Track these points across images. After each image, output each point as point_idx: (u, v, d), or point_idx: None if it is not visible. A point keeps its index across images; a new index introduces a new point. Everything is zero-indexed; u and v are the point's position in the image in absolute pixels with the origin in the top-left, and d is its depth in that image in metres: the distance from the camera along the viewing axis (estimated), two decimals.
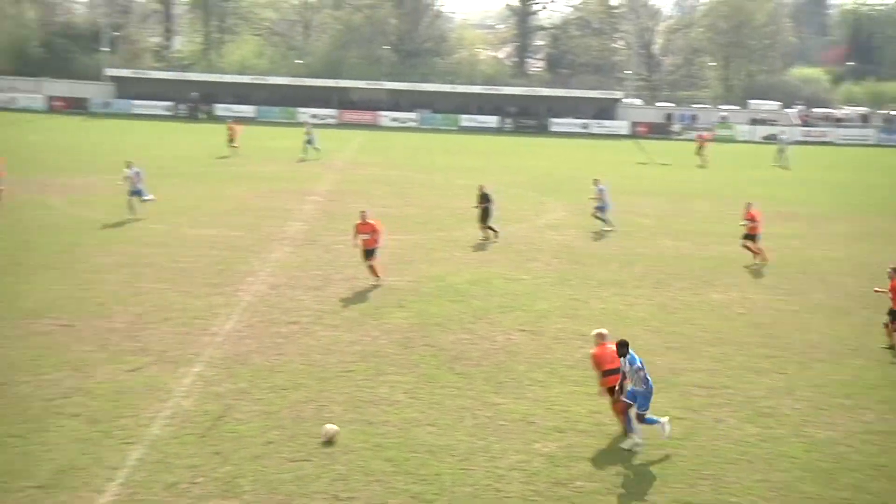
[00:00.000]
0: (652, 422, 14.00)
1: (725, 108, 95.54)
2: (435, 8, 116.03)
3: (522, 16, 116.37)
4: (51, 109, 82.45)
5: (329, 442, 13.61)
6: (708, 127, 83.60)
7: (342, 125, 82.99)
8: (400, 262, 25.87)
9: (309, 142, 52.50)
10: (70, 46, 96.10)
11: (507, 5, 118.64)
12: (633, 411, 13.87)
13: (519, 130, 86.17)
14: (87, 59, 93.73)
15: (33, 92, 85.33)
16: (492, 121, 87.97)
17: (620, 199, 40.28)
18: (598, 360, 14.45)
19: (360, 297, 22.08)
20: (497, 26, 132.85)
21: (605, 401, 14.51)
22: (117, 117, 79.72)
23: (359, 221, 23.35)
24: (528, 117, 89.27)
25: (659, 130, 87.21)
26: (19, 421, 13.95)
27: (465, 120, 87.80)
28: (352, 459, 13.18)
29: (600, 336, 14.66)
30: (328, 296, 22.09)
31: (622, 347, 13.88)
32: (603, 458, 13.64)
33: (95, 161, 45.79)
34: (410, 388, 16.06)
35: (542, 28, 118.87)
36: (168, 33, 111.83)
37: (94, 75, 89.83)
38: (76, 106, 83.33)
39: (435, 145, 67.39)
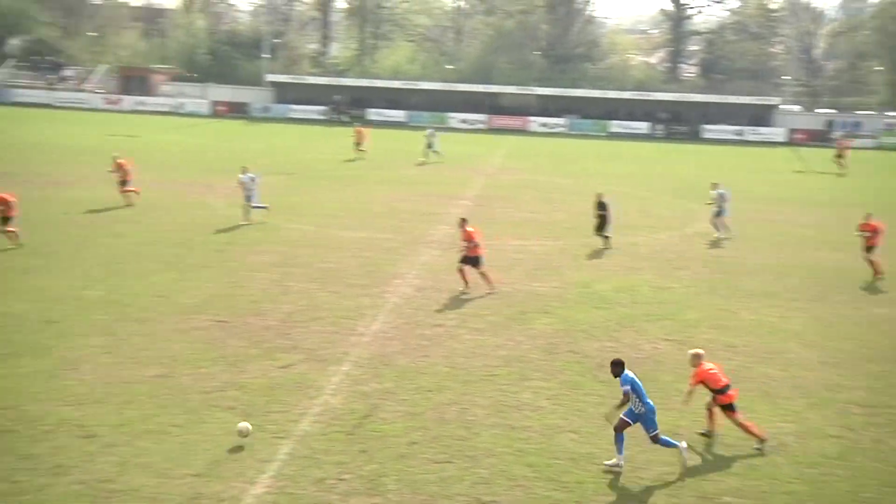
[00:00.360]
0: (668, 443, 13.27)
1: (893, 115, 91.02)
2: (587, 13, 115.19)
3: (677, 20, 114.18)
4: (214, 114, 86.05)
5: (243, 434, 13.53)
6: (849, 133, 79.86)
7: (491, 130, 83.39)
8: (546, 268, 25.78)
9: (429, 145, 53.09)
10: (234, 53, 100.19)
11: (661, 10, 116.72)
12: (628, 430, 13.19)
13: (670, 137, 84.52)
14: (249, 65, 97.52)
15: (199, 97, 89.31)
16: (642, 127, 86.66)
17: (774, 208, 39.01)
18: (709, 380, 14.02)
19: (505, 301, 22.11)
20: (650, 31, 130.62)
21: (721, 418, 14.19)
22: (275, 121, 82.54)
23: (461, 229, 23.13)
24: (679, 123, 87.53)
25: (819, 138, 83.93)
26: (180, 412, 14.60)
27: (615, 126, 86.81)
28: (494, 463, 13.21)
29: (698, 357, 14.17)
30: (473, 299, 22.21)
31: (616, 367, 13.27)
32: (751, 474, 13.22)
33: (252, 163, 47.43)
34: (554, 395, 15.99)
35: (697, 33, 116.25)
36: (325, 40, 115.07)
37: (255, 81, 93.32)
38: (237, 110, 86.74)
39: (584, 151, 66.88)
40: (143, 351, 17.40)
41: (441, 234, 30.53)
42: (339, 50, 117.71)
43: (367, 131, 56.18)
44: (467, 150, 60.89)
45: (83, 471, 12.43)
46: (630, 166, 55.85)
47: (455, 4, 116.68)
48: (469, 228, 22.81)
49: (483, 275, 22.82)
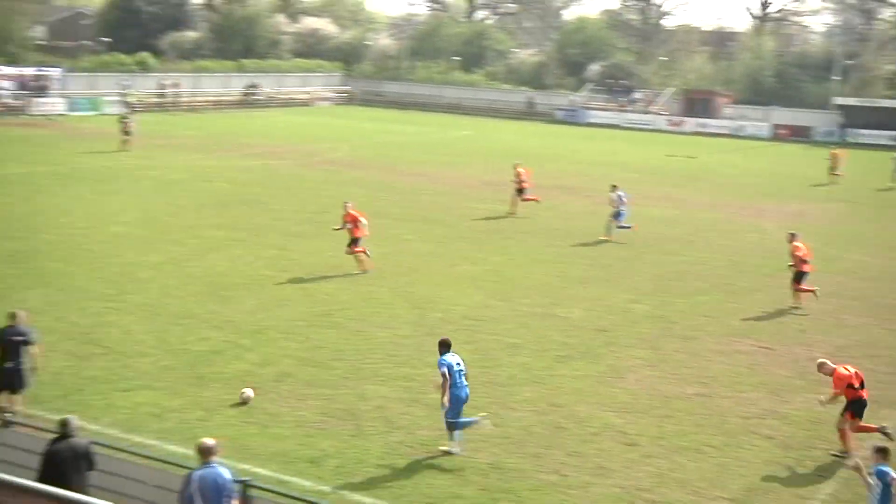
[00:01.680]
0: (464, 424, 13.28)
1: None
2: None
3: None
4: (774, 137, 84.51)
5: (244, 402, 14.53)
6: None
7: None
8: None
9: None
10: (800, 76, 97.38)
11: None
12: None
13: None
14: (817, 87, 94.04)
15: (761, 120, 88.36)
16: None
17: None
18: (845, 381, 13.72)
19: None
20: None
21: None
22: (840, 146, 78.56)
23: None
24: None
25: None
26: (717, 433, 14.64)
27: None
28: None
29: (825, 365, 14.17)
30: None
31: (440, 347, 13.38)
32: None
33: (811, 189, 45.75)
34: None
35: None
36: None
37: (821, 104, 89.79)
38: (799, 134, 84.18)
39: None
40: (685, 368, 17.72)
41: None
42: None
43: (844, 154, 51.19)
44: None
45: (623, 476, 13.01)
46: None
47: None
48: (797, 244, 22.50)
49: (802, 290, 22.33)
